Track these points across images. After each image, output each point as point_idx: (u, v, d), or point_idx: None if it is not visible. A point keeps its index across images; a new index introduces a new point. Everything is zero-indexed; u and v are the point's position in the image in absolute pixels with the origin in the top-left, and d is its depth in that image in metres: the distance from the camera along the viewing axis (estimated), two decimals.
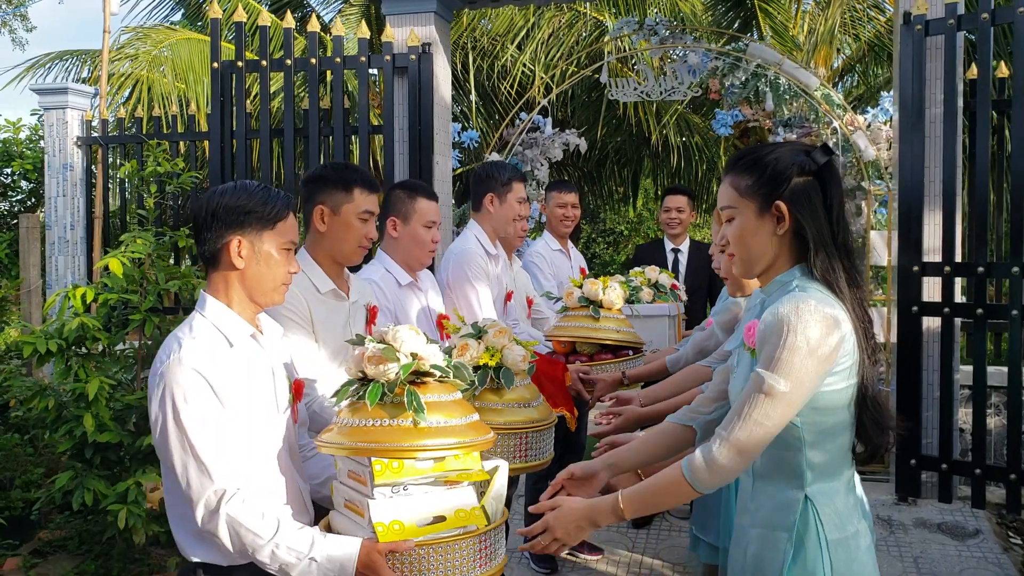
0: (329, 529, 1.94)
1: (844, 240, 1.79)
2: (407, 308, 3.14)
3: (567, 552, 4.37)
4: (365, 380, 1.87)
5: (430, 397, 1.84)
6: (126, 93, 9.35)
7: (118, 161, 6.57)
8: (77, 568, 3.82)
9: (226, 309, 1.95)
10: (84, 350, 3.91)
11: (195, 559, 1.90)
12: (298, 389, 2.07)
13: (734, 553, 1.97)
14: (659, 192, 14.50)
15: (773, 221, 1.79)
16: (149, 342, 4.14)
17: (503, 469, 1.96)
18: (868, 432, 1.79)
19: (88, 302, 3.84)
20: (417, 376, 1.86)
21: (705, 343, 3.22)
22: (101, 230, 6.44)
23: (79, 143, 6.54)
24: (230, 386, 1.85)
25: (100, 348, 4.03)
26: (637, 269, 4.36)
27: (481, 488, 1.91)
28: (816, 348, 1.65)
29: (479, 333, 2.46)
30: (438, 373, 1.88)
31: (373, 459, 1.76)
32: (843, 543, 1.76)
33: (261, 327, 2.04)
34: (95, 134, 6.49)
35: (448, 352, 2.26)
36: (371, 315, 2.80)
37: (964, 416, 5.08)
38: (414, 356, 1.85)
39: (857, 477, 2.03)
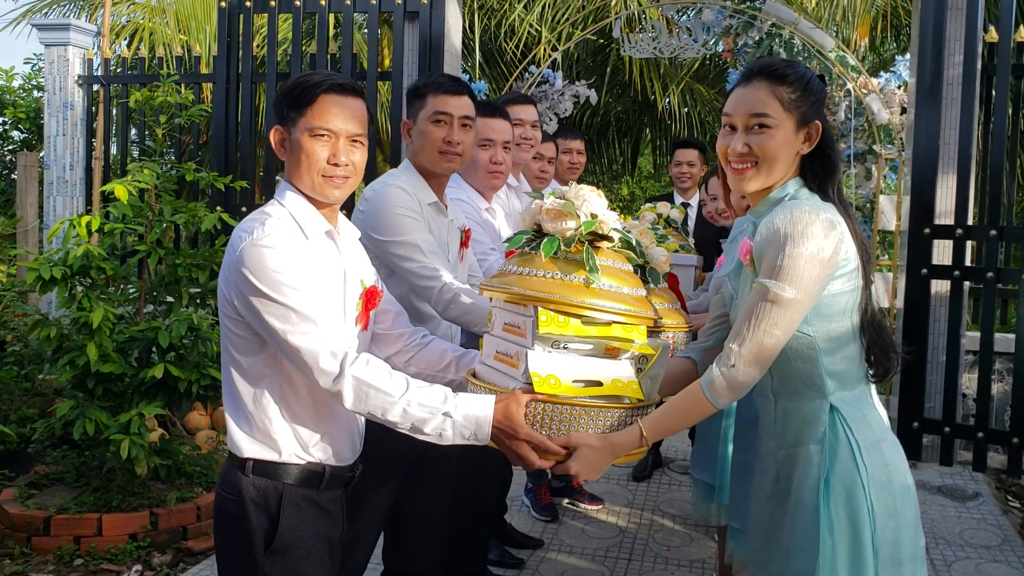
0: (474, 376, 1.90)
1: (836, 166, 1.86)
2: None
3: (567, 501, 4.36)
4: (539, 234, 1.82)
5: (604, 261, 1.78)
6: (126, 41, 9.21)
7: (119, 102, 6.46)
8: (75, 499, 3.77)
9: (304, 202, 1.88)
10: (89, 280, 3.84)
11: (246, 455, 1.84)
12: (370, 297, 1.99)
13: (759, 481, 1.94)
14: (655, 167, 14.41)
15: (803, 138, 1.80)
16: (154, 277, 4.08)
17: (666, 350, 1.89)
18: (874, 351, 1.78)
19: (93, 231, 3.78)
20: (594, 238, 1.80)
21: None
22: (101, 171, 6.34)
23: (80, 82, 6.42)
24: (308, 272, 1.79)
25: (104, 279, 3.97)
26: (648, 205, 4.29)
27: (640, 365, 1.84)
28: (817, 252, 1.65)
29: None
30: (617, 237, 1.83)
31: (540, 309, 1.71)
32: (875, 447, 1.75)
33: (339, 228, 1.97)
34: (97, 74, 6.37)
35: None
36: (465, 237, 2.74)
37: (967, 381, 5.08)
38: (594, 216, 1.79)
39: (878, 400, 2.01)
